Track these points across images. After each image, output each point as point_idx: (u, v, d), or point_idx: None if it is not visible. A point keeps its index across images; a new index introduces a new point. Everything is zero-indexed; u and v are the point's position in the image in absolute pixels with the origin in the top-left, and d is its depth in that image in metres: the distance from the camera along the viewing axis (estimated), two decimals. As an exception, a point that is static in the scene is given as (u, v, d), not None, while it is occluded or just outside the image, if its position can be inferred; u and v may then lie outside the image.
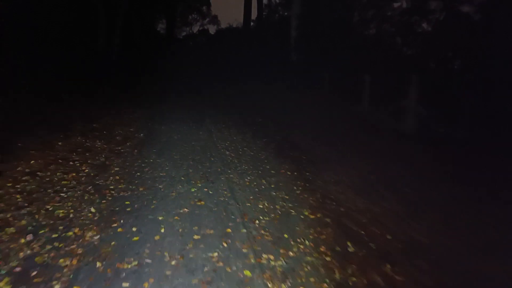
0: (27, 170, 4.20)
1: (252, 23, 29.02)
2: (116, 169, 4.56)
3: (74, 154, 4.96)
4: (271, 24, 21.16)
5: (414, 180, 4.94)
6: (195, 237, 3.05)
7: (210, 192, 4.05)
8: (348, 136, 7.45)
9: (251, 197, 4.01)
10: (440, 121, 8.82)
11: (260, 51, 18.77)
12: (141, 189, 4.00)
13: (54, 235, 2.93)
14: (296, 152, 6.07)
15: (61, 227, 3.06)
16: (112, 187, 4.00)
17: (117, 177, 4.29)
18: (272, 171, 4.96)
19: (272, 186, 4.42)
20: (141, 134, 6.29)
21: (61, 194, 3.71)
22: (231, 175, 4.65)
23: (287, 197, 4.13)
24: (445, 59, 11.34)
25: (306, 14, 12.62)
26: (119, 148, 5.42)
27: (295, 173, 4.94)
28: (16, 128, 5.46)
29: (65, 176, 4.19)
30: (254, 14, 28.97)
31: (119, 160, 4.89)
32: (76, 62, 12.95)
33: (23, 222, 3.09)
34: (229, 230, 3.23)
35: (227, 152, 5.69)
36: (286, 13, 31.20)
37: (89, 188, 3.94)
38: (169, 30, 28.81)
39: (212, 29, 40.18)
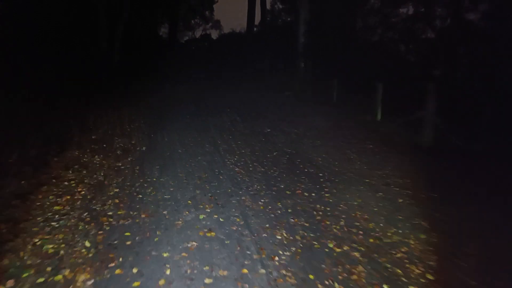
0: (16, 192, 3.73)
1: (255, 28, 28.78)
2: (115, 190, 4.10)
3: (70, 171, 4.51)
4: (275, 29, 20.76)
5: (443, 203, 4.47)
6: (207, 281, 2.59)
7: (220, 219, 3.58)
8: (364, 150, 6.98)
9: (267, 225, 3.55)
10: (458, 133, 8.35)
11: (265, 58, 18.40)
12: (143, 215, 3.54)
13: (40, 279, 2.46)
14: (311, 168, 5.61)
15: (49, 268, 2.59)
16: (110, 213, 3.54)
17: (116, 201, 3.83)
18: (287, 192, 4.49)
19: (289, 210, 3.95)
20: (143, 148, 5.84)
21: (52, 224, 3.26)
22: (243, 197, 4.18)
23: (307, 225, 3.67)
24: (458, 66, 10.93)
25: (313, 19, 12.23)
26: (119, 164, 4.97)
27: (313, 194, 4.47)
28: (7, 140, 5.01)
29: (58, 200, 3.73)
30: (257, 19, 28.74)
31: (119, 179, 4.43)
32: (76, 66, 12.55)
33: (6, 261, 2.63)
34: (245, 270, 2.77)
35: (236, 169, 5.22)
36: (289, 19, 30.90)
37: (85, 215, 3.48)
38: (171, 34, 28.53)
39: (214, 34, 39.97)
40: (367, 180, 5.12)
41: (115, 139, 6.04)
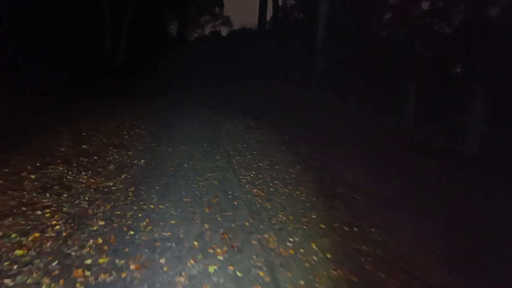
0: (-31, 228, 2.81)
1: (267, 25, 27.71)
2: (100, 223, 3.15)
3: (47, 195, 3.56)
4: (289, 25, 19.67)
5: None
6: None
7: (238, 273, 2.59)
8: (398, 161, 5.93)
9: (301, 283, 2.53)
10: (508, 141, 7.18)
11: (279, 55, 17.33)
12: (132, 267, 2.56)
13: None
14: (343, 188, 4.57)
15: None
16: (88, 261, 2.58)
17: (100, 240, 2.88)
18: (322, 225, 3.47)
19: (328, 256, 2.94)
20: (142, 161, 4.88)
21: (5, 281, 2.29)
22: (265, 235, 3.18)
23: (354, 279, 2.64)
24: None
25: (334, 13, 11.12)
26: (110, 184, 4.02)
27: (355, 229, 3.45)
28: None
29: (22, 239, 2.78)
30: (268, 15, 27.64)
31: (107, 206, 3.48)
32: (76, 67, 11.79)
33: None
34: None
35: (254, 190, 4.22)
36: (301, 15, 29.71)
37: (53, 264, 2.53)
38: (180, 32, 27.73)
39: (224, 31, 39.04)
40: (411, 203, 4.07)
41: (109, 150, 5.10)
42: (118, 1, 14.24)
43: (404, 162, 6.08)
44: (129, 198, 3.71)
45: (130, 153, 5.14)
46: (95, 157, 4.80)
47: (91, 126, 6.26)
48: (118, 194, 3.80)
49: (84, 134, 5.78)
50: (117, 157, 4.92)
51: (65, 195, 3.63)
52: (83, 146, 5.16)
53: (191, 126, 7.21)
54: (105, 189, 3.88)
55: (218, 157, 5.34)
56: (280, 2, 25.91)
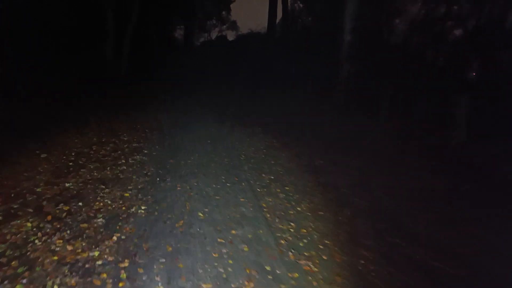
0: None
1: (276, 29, 26.57)
2: None
3: (-4, 281, 2.30)
4: (304, 28, 18.46)
5: None
6: None
7: None
8: (473, 200, 4.58)
9: None
10: None
11: (292, 61, 16.09)
12: None
13: None
14: (415, 246, 3.28)
15: None
16: None
17: None
18: None
19: None
20: (141, 208, 3.60)
21: None
22: None
23: None
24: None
25: (360, 16, 9.84)
26: (94, 255, 2.74)
27: None
28: None
29: None
30: (278, 18, 26.49)
31: (85, 306, 2.19)
32: (75, 74, 10.66)
33: None
34: None
35: (302, 261, 2.91)
36: (310, 18, 28.50)
37: None
38: (187, 37, 26.71)
39: (231, 35, 37.99)
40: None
41: (100, 191, 3.84)
42: (123, 5, 13.13)
43: (480, 200, 4.75)
44: (120, 285, 2.42)
45: (126, 194, 3.87)
46: (80, 203, 3.53)
47: (81, 151, 5.03)
48: (105, 275, 2.51)
49: (71, 163, 4.53)
50: (109, 202, 3.65)
51: (24, 281, 2.35)
52: (66, 184, 3.90)
53: (203, 148, 5.94)
54: (86, 265, 2.59)
55: (242, 199, 4.05)
56: (289, 6, 24.82)
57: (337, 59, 9.97)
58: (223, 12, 35.85)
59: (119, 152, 5.30)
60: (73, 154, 4.99)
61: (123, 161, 4.96)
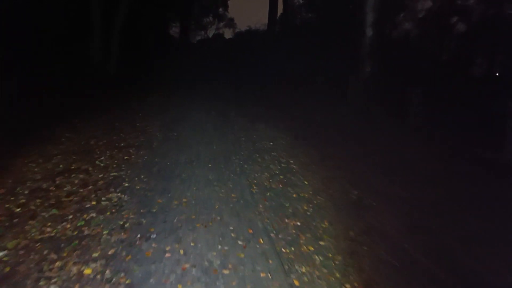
0: None
1: (277, 25, 25.24)
2: None
3: None
4: (311, 22, 17.10)
5: None
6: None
7: None
8: None
9: None
10: None
11: (298, 59, 14.70)
12: None
13: None
14: None
15: None
16: None
17: None
18: None
19: None
20: (125, 279, 2.24)
21: None
22: None
23: None
24: None
25: (382, 7, 8.48)
26: None
27: None
28: None
29: None
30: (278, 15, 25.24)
31: None
32: (57, 77, 9.29)
33: None
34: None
35: None
36: (310, 15, 27.17)
37: None
38: (183, 34, 25.28)
39: (228, 33, 36.58)
40: None
41: (45, 264, 2.46)
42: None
43: None
44: None
45: (87, 271, 2.50)
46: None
47: (38, 186, 3.66)
48: None
49: (17, 211, 3.15)
50: (78, 267, 2.29)
51: None
52: (-4, 256, 2.52)
53: (203, 176, 4.57)
54: None
55: (262, 273, 2.69)
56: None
57: (356, 56, 8.60)
58: (221, 9, 34.39)
59: (90, 187, 3.93)
60: (25, 192, 3.62)
61: (93, 202, 3.58)
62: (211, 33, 35.59)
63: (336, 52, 14.38)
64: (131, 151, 5.32)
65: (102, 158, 4.95)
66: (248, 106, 8.89)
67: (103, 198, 3.72)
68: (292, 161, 5.45)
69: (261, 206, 3.86)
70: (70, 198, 3.65)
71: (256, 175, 4.77)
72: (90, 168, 4.54)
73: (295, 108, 8.96)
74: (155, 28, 17.48)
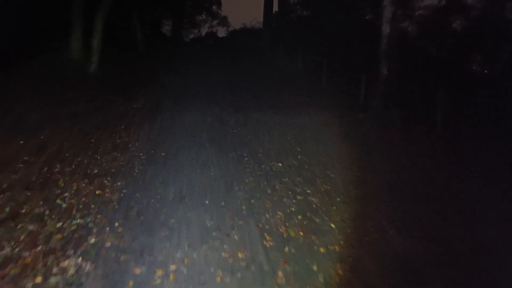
0: None
1: (274, 21, 24.18)
2: None
3: None
4: (315, 17, 16.05)
5: None
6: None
7: None
8: None
9: None
10: None
11: (299, 58, 13.60)
12: None
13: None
14: None
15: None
16: None
17: None
18: None
19: None
20: None
21: None
22: None
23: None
24: None
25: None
26: None
27: None
28: None
29: None
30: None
31: None
32: (29, 77, 8.09)
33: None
34: None
35: None
36: (305, 12, 26.14)
37: None
38: (175, 32, 23.98)
39: (221, 31, 35.39)
40: None
41: None
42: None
43: None
44: None
45: None
46: None
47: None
48: None
49: None
50: None
51: None
52: None
53: (202, 231, 3.43)
54: None
55: None
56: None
57: (366, 55, 7.50)
58: (214, 7, 33.06)
59: (39, 247, 2.76)
60: None
61: (38, 279, 2.41)
62: (204, 31, 34.33)
63: (339, 50, 13.30)
64: (105, 181, 4.14)
65: (66, 194, 3.77)
66: (248, 111, 7.74)
67: (53, 270, 2.55)
68: (309, 191, 4.33)
69: (280, 274, 2.73)
70: (4, 272, 2.47)
71: (267, 216, 3.63)
72: (47, 212, 3.37)
73: (302, 113, 7.84)
74: (145, 25, 16.17)
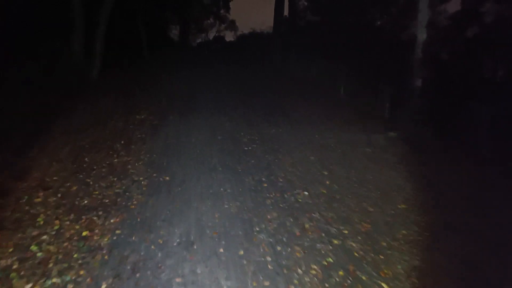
0: None
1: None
2: None
3: None
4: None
5: None
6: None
7: None
8: None
9: None
10: None
11: (314, 67, 12.81)
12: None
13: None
14: None
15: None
16: None
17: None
18: None
19: None
20: None
21: None
22: None
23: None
24: None
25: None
26: None
27: None
28: None
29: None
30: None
31: None
32: (29, 83, 7.42)
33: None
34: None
35: None
36: (317, 17, 25.31)
37: None
38: (182, 36, 23.41)
39: (229, 36, 34.89)
40: None
41: None
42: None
43: None
44: None
45: None
46: None
47: None
48: None
49: None
50: None
51: None
52: None
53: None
54: None
55: None
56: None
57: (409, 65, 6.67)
58: (222, 11, 32.55)
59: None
60: None
61: None
62: (211, 35, 33.83)
63: (356, 58, 12.48)
64: (95, 218, 3.33)
65: (44, 237, 2.97)
66: (263, 125, 6.93)
67: None
68: (346, 231, 3.48)
69: None
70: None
71: (299, 271, 2.80)
72: (15, 266, 2.56)
73: (323, 129, 7.01)
74: (150, 29, 15.53)
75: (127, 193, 3.85)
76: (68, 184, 3.94)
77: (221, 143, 5.77)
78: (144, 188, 4.02)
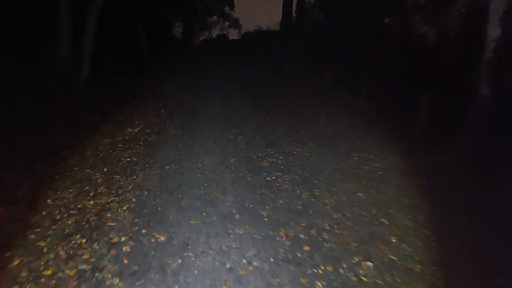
0: None
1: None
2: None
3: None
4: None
5: None
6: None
7: None
8: None
9: None
10: None
11: (330, 70, 11.35)
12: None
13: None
14: None
15: None
16: None
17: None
18: None
19: None
20: None
21: None
22: None
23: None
24: None
25: None
26: None
27: None
28: None
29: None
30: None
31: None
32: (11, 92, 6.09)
33: None
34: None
35: None
36: (322, 15, 23.54)
37: None
38: (184, 35, 22.04)
39: (233, 34, 33.59)
40: None
41: None
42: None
43: None
44: None
45: None
46: None
47: None
48: None
49: None
50: None
51: None
52: None
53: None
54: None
55: None
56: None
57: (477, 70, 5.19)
58: (226, 8, 31.31)
59: None
60: None
61: None
62: (215, 33, 32.55)
63: (374, 61, 10.89)
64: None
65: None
66: (285, 144, 5.48)
67: None
68: None
69: None
70: None
71: None
72: None
73: (359, 147, 5.57)
74: (150, 27, 14.11)
75: (96, 274, 2.42)
76: (8, 254, 2.52)
77: (235, 169, 4.34)
78: (125, 261, 2.59)
